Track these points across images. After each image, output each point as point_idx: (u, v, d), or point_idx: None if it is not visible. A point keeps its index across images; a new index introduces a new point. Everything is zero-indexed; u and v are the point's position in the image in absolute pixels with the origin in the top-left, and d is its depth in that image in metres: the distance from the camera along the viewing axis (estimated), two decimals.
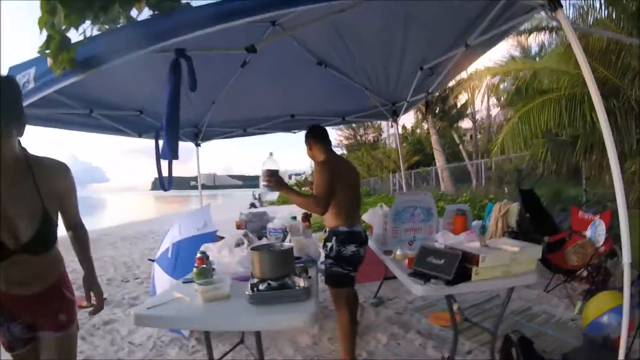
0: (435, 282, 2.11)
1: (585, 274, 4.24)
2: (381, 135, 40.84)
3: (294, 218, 3.05)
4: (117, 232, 13.31)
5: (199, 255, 2.30)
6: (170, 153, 1.96)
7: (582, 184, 8.40)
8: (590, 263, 4.05)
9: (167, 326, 3.03)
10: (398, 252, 2.75)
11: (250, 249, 2.02)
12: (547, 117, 6.16)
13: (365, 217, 3.40)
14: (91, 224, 18.96)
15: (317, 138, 3.04)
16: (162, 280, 3.69)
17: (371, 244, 3.27)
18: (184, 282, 2.34)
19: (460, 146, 22.37)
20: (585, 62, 1.89)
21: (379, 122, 42.85)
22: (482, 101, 23.43)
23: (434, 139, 18.63)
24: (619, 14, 5.64)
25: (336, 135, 41.63)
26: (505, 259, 2.18)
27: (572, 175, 9.09)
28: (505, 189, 10.96)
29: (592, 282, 4.14)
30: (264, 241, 2.96)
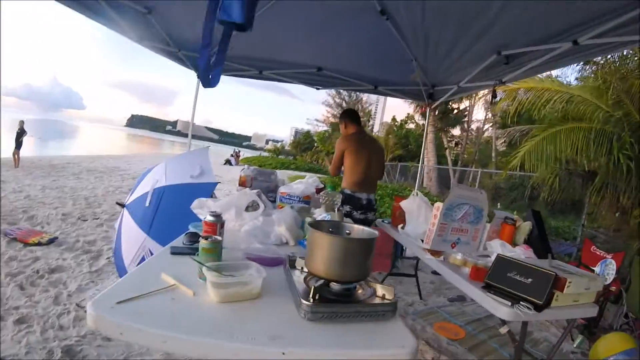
0: (525, 305, 1.73)
1: None
2: (369, 121, 40.87)
3: (332, 187, 2.32)
4: (84, 163, 12.85)
5: (209, 218, 1.45)
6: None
7: (580, 219, 8.32)
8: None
9: (153, 344, 1.21)
10: (458, 257, 2.28)
11: (309, 225, 1.27)
12: (574, 143, 6.23)
13: (403, 203, 2.98)
14: (59, 149, 18.20)
15: (352, 119, 3.69)
16: (131, 233, 2.91)
17: (401, 235, 2.91)
18: (172, 254, 1.55)
19: (447, 151, 22.33)
20: None
21: (370, 108, 43.44)
22: (484, 113, 24.33)
23: (430, 137, 18.28)
24: None
25: (324, 110, 41.46)
26: (582, 287, 1.89)
27: (568, 208, 9.13)
28: (498, 204, 10.85)
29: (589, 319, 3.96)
30: (271, 208, 2.30)
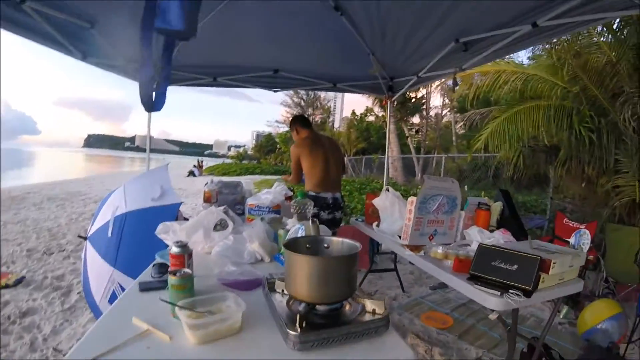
0: (514, 292, 1.69)
1: None
2: (329, 117, 41.03)
3: (303, 195, 2.22)
4: (44, 191, 12.31)
5: (174, 249, 1.34)
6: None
7: (546, 192, 8.66)
8: None
9: None
10: (439, 250, 2.25)
11: (284, 247, 1.16)
12: (535, 121, 6.31)
13: (376, 201, 2.91)
14: (17, 179, 17.41)
15: (302, 123, 3.72)
16: (96, 266, 2.72)
17: (377, 233, 2.87)
18: (141, 290, 1.42)
19: (409, 139, 22.63)
20: None
21: (329, 104, 43.55)
22: (442, 99, 24.85)
23: (391, 128, 18.43)
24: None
25: (284, 111, 41.40)
26: (567, 265, 1.90)
27: (533, 182, 9.37)
28: (465, 187, 11.01)
29: None
30: (241, 223, 2.19)
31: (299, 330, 1.00)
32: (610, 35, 6.00)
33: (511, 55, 6.54)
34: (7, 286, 3.94)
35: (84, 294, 3.21)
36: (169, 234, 1.90)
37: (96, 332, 1.12)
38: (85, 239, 2.98)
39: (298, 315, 1.01)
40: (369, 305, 1.13)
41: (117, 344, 1.02)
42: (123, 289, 2.39)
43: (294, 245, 1.22)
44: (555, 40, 6.14)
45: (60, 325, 3.20)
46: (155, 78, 0.95)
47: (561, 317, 3.65)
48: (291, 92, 35.77)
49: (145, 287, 1.43)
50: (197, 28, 0.93)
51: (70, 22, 2.98)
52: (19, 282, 4.08)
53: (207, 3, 2.92)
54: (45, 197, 10.81)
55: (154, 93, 0.95)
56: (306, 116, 3.70)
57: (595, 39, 6.14)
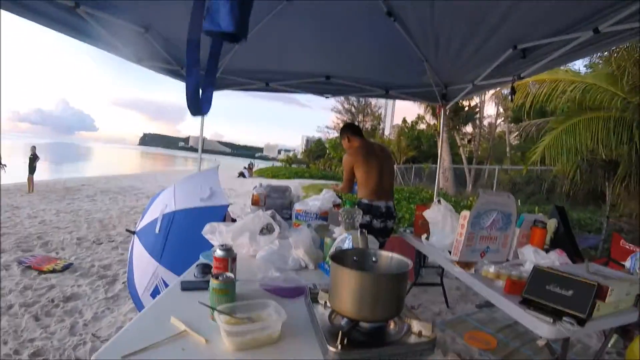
0: (568, 320, 1.60)
1: None
2: (379, 124, 40.77)
3: (352, 204, 2.17)
4: (98, 184, 12.89)
5: (218, 252, 1.32)
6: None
7: (600, 209, 8.49)
8: None
9: None
10: (490, 269, 2.15)
11: (331, 259, 1.11)
12: (594, 134, 6.08)
13: (426, 213, 2.85)
14: (73, 172, 18.45)
15: (353, 131, 3.67)
16: (142, 261, 2.79)
17: (426, 246, 2.84)
18: (183, 289, 1.42)
19: (461, 149, 22.05)
20: None
21: (380, 111, 43.30)
22: (496, 109, 24.16)
23: (444, 137, 18.05)
24: None
25: (334, 117, 41.55)
26: (623, 292, 1.79)
27: (588, 199, 8.92)
28: (519, 200, 10.62)
29: None
30: (287, 228, 2.16)
31: (339, 347, 0.95)
32: None
33: (568, 64, 6.25)
34: (54, 271, 4.12)
35: (127, 285, 3.31)
36: (215, 234, 1.91)
37: (134, 327, 1.12)
38: (133, 233, 3.06)
39: (340, 332, 0.96)
40: (416, 326, 1.07)
41: (152, 342, 1.02)
42: (166, 285, 2.43)
43: (341, 257, 1.18)
44: (614, 47, 5.82)
45: (102, 312, 3.32)
46: (200, 82, 0.93)
47: (609, 345, 3.38)
48: (342, 98, 35.79)
49: (187, 287, 1.43)
50: (247, 30, 0.90)
51: (124, 26, 3.07)
52: (66, 267, 4.27)
53: (260, 7, 2.97)
54: (99, 190, 11.33)
55: (200, 97, 0.93)
56: (357, 124, 3.63)
57: None
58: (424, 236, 2.84)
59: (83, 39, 3.09)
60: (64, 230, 6.06)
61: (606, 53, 6.44)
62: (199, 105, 0.90)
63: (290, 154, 62.77)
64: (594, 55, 7.63)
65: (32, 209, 7.95)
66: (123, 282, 3.93)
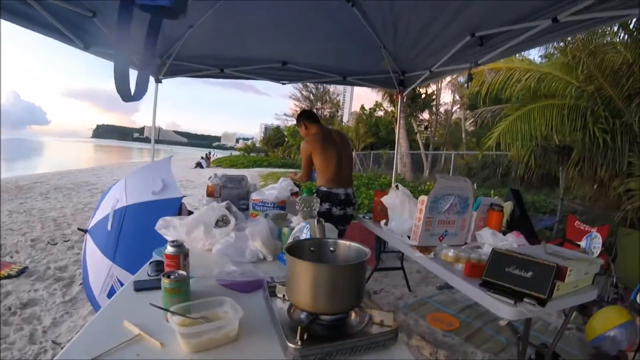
0: (529, 301, 1.64)
1: None
2: (338, 112, 40.91)
3: (309, 192, 2.12)
4: (51, 181, 12.34)
5: (169, 249, 1.27)
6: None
7: (555, 191, 8.69)
8: None
9: None
10: (450, 253, 2.17)
11: (286, 251, 1.07)
12: (548, 121, 6.24)
13: (385, 199, 2.86)
14: (25, 169, 17.55)
15: (310, 119, 3.57)
16: (95, 260, 2.66)
17: (385, 232, 2.83)
18: (136, 290, 1.34)
19: (418, 136, 22.48)
20: None
21: (338, 98, 43.46)
22: (452, 96, 24.66)
23: (402, 123, 18.30)
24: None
25: (292, 104, 41.40)
26: (582, 272, 1.84)
27: (542, 182, 9.27)
28: (474, 184, 10.92)
29: None
30: (244, 219, 2.12)
31: (299, 343, 0.91)
32: (626, 35, 5.88)
33: (523, 52, 6.43)
34: (9, 276, 3.91)
35: (83, 287, 3.17)
36: (169, 229, 1.83)
37: (87, 334, 1.05)
38: (85, 231, 2.92)
39: (299, 328, 0.92)
40: (377, 316, 1.05)
41: (105, 349, 0.95)
42: (122, 284, 2.33)
43: (297, 249, 1.13)
44: (570, 38, 6.01)
45: (61, 317, 3.18)
46: (128, 64, 0.84)
47: (569, 322, 3.56)
48: (300, 85, 35.66)
49: (140, 287, 1.35)
50: (186, 4, 0.83)
51: (71, 11, 2.86)
52: (21, 272, 4.06)
53: None
54: (52, 187, 10.84)
55: (135, 81, 0.85)
56: (314, 110, 3.54)
57: (610, 38, 6.04)
58: (383, 222, 2.84)
59: (28, 26, 2.86)
60: (17, 232, 5.75)
61: (562, 43, 6.59)
62: (129, 89, 0.81)
63: (249, 142, 62.05)
64: (550, 45, 7.83)
65: None
66: (80, 284, 3.77)
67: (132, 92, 0.81)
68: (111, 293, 2.46)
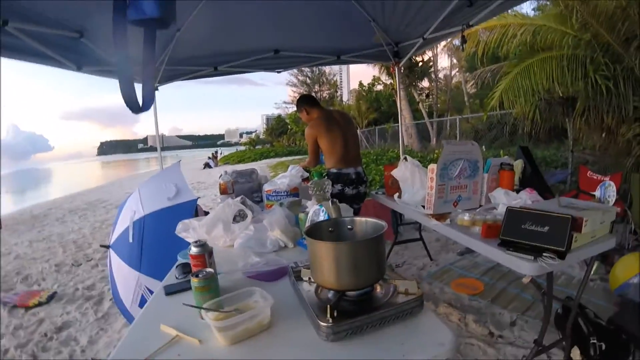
0: (548, 255, 1.62)
1: None
2: (337, 92, 40.65)
3: (319, 175, 2.16)
4: (65, 205, 12.43)
5: (193, 250, 1.31)
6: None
7: (564, 144, 8.69)
8: None
9: None
10: (465, 217, 2.16)
11: (306, 235, 1.11)
12: (548, 74, 6.15)
13: (394, 172, 2.86)
14: (37, 198, 17.73)
15: (311, 103, 3.57)
16: (123, 273, 2.73)
17: (400, 205, 2.82)
18: (167, 294, 1.38)
19: (420, 104, 22.27)
20: None
21: (335, 79, 43.14)
22: (450, 60, 24.32)
23: (401, 94, 18.11)
24: None
25: (290, 91, 41.27)
26: (598, 222, 1.81)
27: (550, 136, 9.15)
28: (483, 147, 10.86)
29: None
30: (260, 211, 2.16)
31: (330, 321, 0.95)
32: None
33: (515, 7, 6.31)
34: (40, 304, 3.98)
35: (114, 301, 3.24)
36: (189, 231, 1.87)
37: (126, 343, 1.08)
38: (107, 247, 2.98)
39: (328, 306, 0.96)
40: (401, 285, 1.08)
41: (147, 354, 0.99)
42: (151, 292, 2.38)
43: (315, 231, 1.17)
44: None
45: (96, 334, 3.24)
46: (136, 77, 0.87)
47: (592, 273, 3.50)
48: (295, 70, 35.46)
49: (170, 291, 1.39)
50: (175, 12, 0.85)
51: (58, 35, 2.89)
52: (51, 297, 4.12)
53: None
54: (67, 211, 10.90)
55: (141, 93, 0.87)
56: (312, 94, 3.51)
57: None
58: (396, 195, 2.84)
59: (18, 57, 2.90)
60: (40, 260, 5.83)
61: None
62: (137, 101, 0.84)
63: (253, 135, 62.02)
64: None
65: (4, 245, 7.58)
66: (110, 299, 3.84)
67: (140, 103, 0.84)
68: (142, 302, 2.51)
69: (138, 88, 0.84)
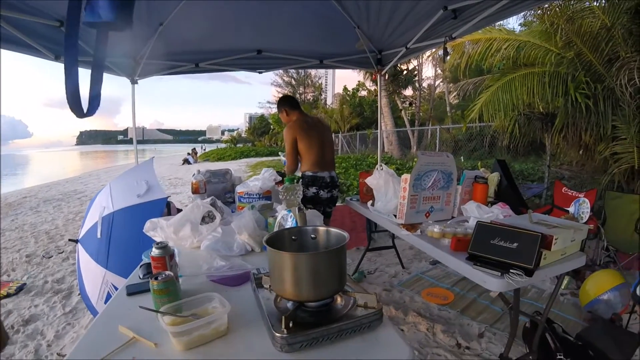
0: (515, 272, 1.62)
1: None
2: (321, 95, 40.70)
3: (292, 180, 2.15)
4: (40, 193, 12.15)
5: (155, 252, 1.28)
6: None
7: (542, 158, 8.74)
8: None
9: None
10: (435, 229, 2.18)
11: (266, 243, 1.09)
12: (530, 89, 6.29)
13: (369, 180, 2.87)
14: (13, 185, 17.27)
15: (292, 105, 3.57)
16: (89, 269, 2.66)
17: (372, 213, 2.82)
18: (129, 294, 1.35)
19: (402, 112, 22.46)
20: None
21: (320, 82, 43.16)
22: (434, 70, 24.55)
23: (384, 101, 18.22)
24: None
25: (274, 91, 41.19)
26: (568, 240, 1.81)
27: (529, 150, 9.29)
28: (462, 157, 10.98)
29: None
30: (230, 213, 2.13)
31: (285, 332, 0.94)
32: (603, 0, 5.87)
33: (502, 22, 6.44)
34: (8, 295, 3.89)
35: (81, 297, 3.18)
36: (157, 230, 1.84)
37: (84, 342, 1.07)
38: (76, 241, 2.91)
39: (283, 317, 0.95)
40: (361, 298, 1.07)
41: (104, 354, 0.98)
42: (117, 289, 2.34)
43: (277, 240, 1.16)
44: (547, 5, 6.01)
45: (63, 329, 3.18)
46: (78, 81, 0.85)
47: (562, 287, 3.58)
48: (281, 71, 35.41)
49: (132, 291, 1.37)
50: (131, 18, 0.83)
51: (37, 23, 2.82)
52: (20, 289, 4.03)
53: None
54: (41, 200, 10.66)
55: (88, 96, 0.85)
56: (295, 96, 3.50)
57: (588, 2, 6.04)
58: (369, 203, 2.86)
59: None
60: (11, 250, 5.69)
61: (539, 11, 6.60)
62: (82, 107, 0.82)
63: (234, 133, 61.67)
64: (528, 13, 7.83)
65: None
66: (78, 294, 3.77)
67: (85, 109, 0.82)
68: (107, 300, 2.45)
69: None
